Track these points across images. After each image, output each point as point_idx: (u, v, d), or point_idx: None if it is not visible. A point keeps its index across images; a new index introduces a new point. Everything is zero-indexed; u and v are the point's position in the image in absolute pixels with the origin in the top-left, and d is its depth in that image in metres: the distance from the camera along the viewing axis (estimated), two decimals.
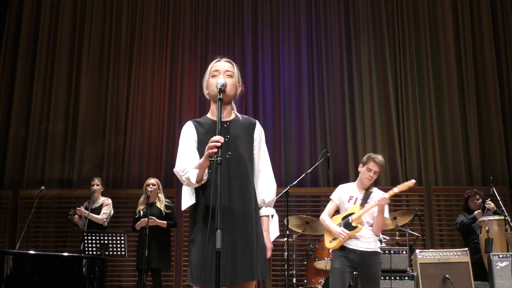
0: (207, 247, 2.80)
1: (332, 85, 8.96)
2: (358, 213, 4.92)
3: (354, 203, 5.03)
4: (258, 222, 3.04)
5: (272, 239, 3.20)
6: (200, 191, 2.99)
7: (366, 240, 4.90)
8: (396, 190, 4.90)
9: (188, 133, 3.09)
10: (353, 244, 4.88)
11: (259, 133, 3.18)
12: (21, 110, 9.01)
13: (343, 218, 4.99)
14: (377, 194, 5.02)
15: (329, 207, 5.18)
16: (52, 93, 9.04)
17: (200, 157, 2.94)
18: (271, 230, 3.19)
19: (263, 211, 3.11)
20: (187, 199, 3.02)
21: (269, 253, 3.07)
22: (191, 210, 3.05)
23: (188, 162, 2.97)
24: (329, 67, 9.02)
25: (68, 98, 9.05)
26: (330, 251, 5.34)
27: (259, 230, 3.05)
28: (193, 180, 2.89)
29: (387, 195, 4.84)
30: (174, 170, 3.01)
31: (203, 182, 2.94)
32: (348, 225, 4.91)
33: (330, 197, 5.22)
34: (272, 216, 3.20)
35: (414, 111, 8.87)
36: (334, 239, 4.97)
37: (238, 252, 2.90)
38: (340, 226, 4.95)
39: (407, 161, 8.68)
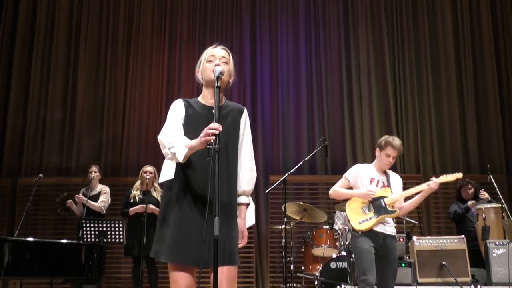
0: (205, 227, 2.77)
1: (330, 72, 8.97)
2: (393, 197, 4.85)
3: (377, 186, 4.94)
4: (236, 209, 3.05)
5: (248, 226, 3.19)
6: (180, 169, 2.98)
7: (389, 224, 4.88)
8: (442, 179, 4.86)
9: (177, 110, 3.08)
10: (379, 228, 4.80)
11: (245, 120, 3.16)
12: (18, 98, 9.00)
13: (371, 201, 4.86)
14: (394, 177, 5.05)
15: (342, 183, 5.03)
16: (50, 81, 9.03)
17: (186, 135, 2.96)
18: (247, 218, 3.18)
19: (242, 199, 3.09)
20: (169, 173, 3.00)
21: (245, 241, 3.06)
22: (167, 186, 3.02)
23: (176, 136, 2.96)
24: (327, 54, 9.02)
25: (66, 86, 9.04)
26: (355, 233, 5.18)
27: (236, 217, 3.04)
28: (180, 159, 2.88)
29: (438, 180, 4.80)
30: (159, 137, 3.00)
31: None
32: (381, 208, 4.81)
33: (345, 175, 5.04)
34: (249, 204, 3.18)
35: (412, 98, 8.90)
36: (364, 220, 4.84)
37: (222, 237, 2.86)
38: (369, 207, 4.85)
39: (404, 149, 8.67)
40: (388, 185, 4.96)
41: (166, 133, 2.99)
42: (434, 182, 4.77)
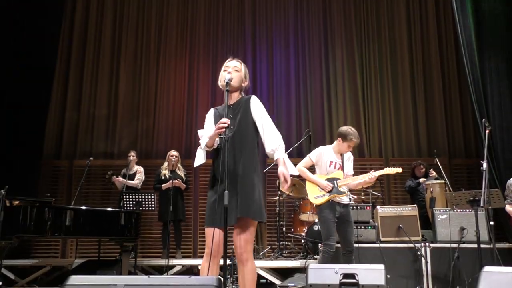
0: (217, 202, 2.90)
1: (313, 77, 8.95)
2: (345, 181, 4.76)
3: (335, 168, 4.83)
4: (255, 176, 3.01)
5: (291, 172, 3.14)
6: (215, 154, 3.08)
7: (345, 197, 4.81)
8: (382, 172, 4.76)
9: (208, 116, 3.22)
10: (338, 199, 4.74)
11: (254, 104, 3.12)
12: (74, 98, 8.98)
13: (328, 180, 4.77)
14: (346, 156, 4.91)
15: (306, 162, 4.90)
16: (98, 84, 9.02)
17: None
18: (288, 167, 3.06)
19: (275, 155, 3.03)
20: (200, 159, 3.09)
21: (289, 182, 2.99)
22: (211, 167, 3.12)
23: (205, 133, 3.09)
24: (311, 64, 8.98)
25: (110, 89, 9.03)
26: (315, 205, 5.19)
27: (256, 182, 3.00)
28: (202, 146, 3.05)
29: (376, 174, 4.70)
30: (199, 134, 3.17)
31: (213, 148, 3.04)
32: (333, 188, 4.72)
33: (309, 155, 4.91)
34: (284, 158, 3.07)
35: (376, 96, 8.86)
36: (318, 196, 4.75)
37: (239, 199, 2.92)
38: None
39: (370, 137, 8.75)
40: (342, 166, 4.86)
41: (201, 131, 3.16)
42: (372, 177, 4.69)
